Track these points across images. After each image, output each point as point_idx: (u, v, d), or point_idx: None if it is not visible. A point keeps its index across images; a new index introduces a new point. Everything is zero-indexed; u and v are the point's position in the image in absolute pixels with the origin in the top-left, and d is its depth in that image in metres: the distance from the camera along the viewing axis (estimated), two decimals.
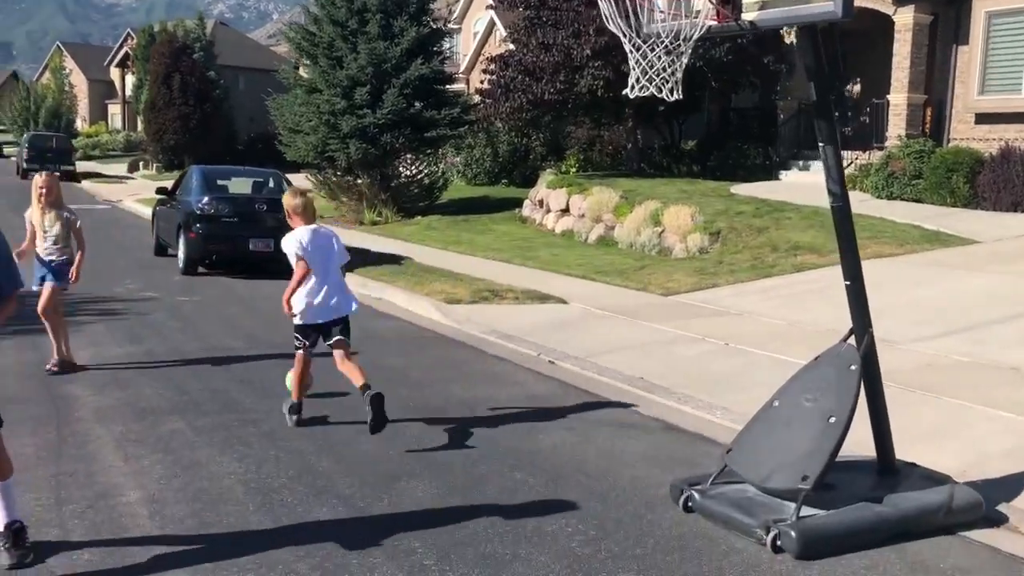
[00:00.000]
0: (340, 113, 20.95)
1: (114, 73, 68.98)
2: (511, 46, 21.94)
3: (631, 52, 4.54)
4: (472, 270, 13.73)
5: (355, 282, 12.96)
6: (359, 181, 22.32)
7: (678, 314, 10.44)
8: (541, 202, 19.87)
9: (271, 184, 14.48)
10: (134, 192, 31.00)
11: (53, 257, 7.36)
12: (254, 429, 5.99)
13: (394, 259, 14.96)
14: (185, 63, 43.44)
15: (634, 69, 4.57)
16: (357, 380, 5.83)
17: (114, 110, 70.31)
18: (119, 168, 45.24)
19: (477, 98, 22.43)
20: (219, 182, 14.36)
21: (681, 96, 4.55)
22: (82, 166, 43.00)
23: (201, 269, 13.55)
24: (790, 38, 19.36)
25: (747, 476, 4.83)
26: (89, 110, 72.71)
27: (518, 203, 21.86)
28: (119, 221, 22.40)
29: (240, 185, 14.76)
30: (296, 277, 5.87)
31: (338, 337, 5.99)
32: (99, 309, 10.23)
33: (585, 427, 6.41)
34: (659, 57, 4.47)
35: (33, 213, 7.35)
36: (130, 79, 60.18)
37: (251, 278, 13.13)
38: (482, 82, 21.67)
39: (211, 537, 4.29)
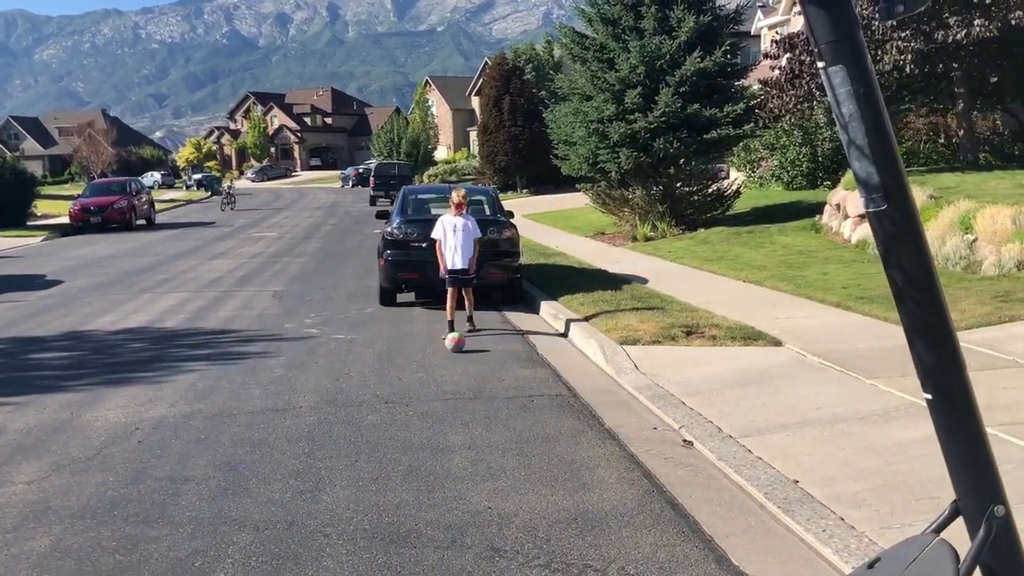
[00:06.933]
0: (609, 120, 19.06)
1: (474, 101, 72.99)
2: None
3: None
4: (700, 297, 11.13)
5: (550, 312, 11.03)
6: (637, 193, 20.23)
7: None
8: (838, 206, 16.36)
9: (484, 205, 12.94)
10: None
11: None
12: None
13: (624, 282, 12.73)
14: (515, 85, 44.12)
15: None
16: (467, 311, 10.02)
17: (474, 136, 74.49)
18: None
19: (758, 88, 19.30)
20: (425, 204, 13.10)
21: None
22: None
23: (404, 299, 12.39)
24: None
25: None
26: (453, 138, 77.83)
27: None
28: None
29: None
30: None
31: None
32: (233, 352, 9.30)
33: None
34: None
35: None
36: None
37: (441, 307, 11.68)
38: (772, 69, 18.56)
39: None
